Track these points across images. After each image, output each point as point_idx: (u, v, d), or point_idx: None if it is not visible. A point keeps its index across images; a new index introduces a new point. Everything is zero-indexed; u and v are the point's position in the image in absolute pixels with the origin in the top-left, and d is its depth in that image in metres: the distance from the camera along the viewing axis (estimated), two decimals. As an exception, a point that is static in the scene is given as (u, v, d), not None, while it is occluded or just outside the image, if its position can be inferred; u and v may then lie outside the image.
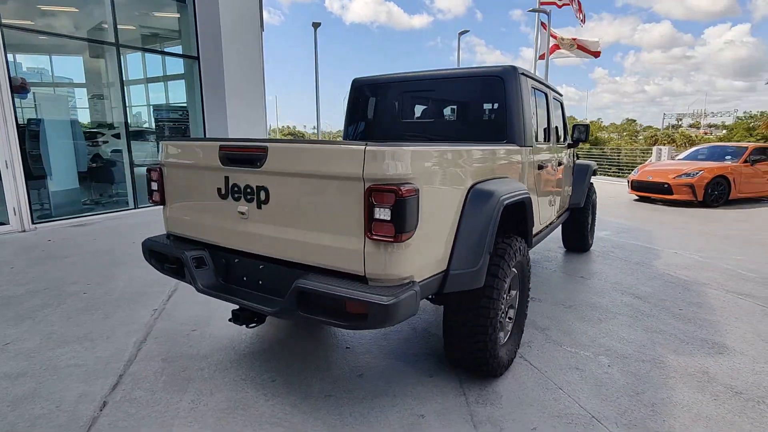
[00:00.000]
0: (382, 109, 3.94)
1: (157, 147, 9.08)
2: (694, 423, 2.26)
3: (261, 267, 2.25)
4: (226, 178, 2.26)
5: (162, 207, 2.71)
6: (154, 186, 2.65)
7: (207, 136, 9.30)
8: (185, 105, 9.81)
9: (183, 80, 9.60)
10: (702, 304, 3.89)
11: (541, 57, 19.01)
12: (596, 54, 20.19)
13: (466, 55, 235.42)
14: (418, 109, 3.93)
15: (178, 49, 9.61)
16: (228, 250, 2.38)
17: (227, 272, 2.41)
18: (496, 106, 3.37)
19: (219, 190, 2.30)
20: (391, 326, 1.83)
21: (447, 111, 3.69)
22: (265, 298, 2.19)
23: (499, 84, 3.22)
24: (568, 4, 18.41)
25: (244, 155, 2.17)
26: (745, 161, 9.74)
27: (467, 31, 23.85)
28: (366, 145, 1.80)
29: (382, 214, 1.77)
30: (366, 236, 1.85)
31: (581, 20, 19.15)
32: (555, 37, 18.79)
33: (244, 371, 2.70)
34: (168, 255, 2.52)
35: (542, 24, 18.78)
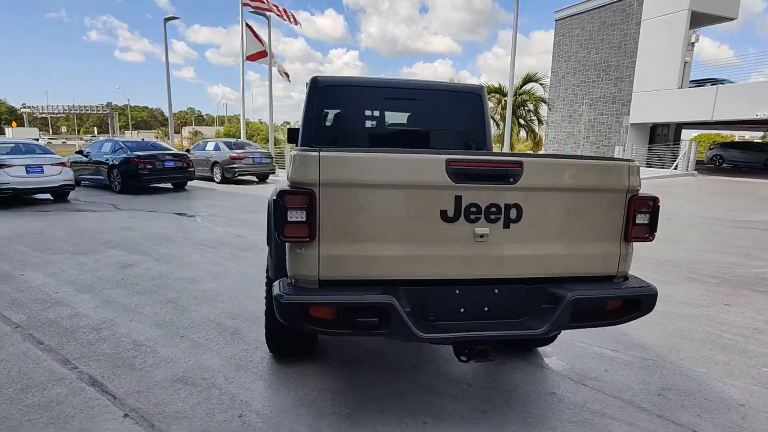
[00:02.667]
0: (352, 114, 3.70)
1: None
2: (682, 341, 3.38)
3: (496, 291, 2.10)
4: (458, 198, 1.96)
5: (298, 244, 1.94)
6: (297, 216, 1.85)
7: None
8: None
9: None
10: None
11: (249, 58, 19.39)
12: (288, 79, 22.12)
13: (104, 38, 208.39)
14: (391, 117, 3.86)
15: None
16: (440, 282, 2.05)
17: (439, 309, 2.08)
18: (472, 119, 3.71)
19: (444, 212, 1.97)
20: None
21: (423, 121, 3.76)
22: (508, 323, 2.10)
23: (478, 100, 3.66)
24: (271, 11, 18.96)
25: (494, 171, 1.99)
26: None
27: (176, 18, 21.47)
28: (629, 161, 2.12)
29: (642, 219, 2.15)
30: (624, 240, 2.15)
31: (292, 22, 20.06)
32: (263, 44, 19.36)
33: (390, 428, 2.30)
34: (361, 306, 1.89)
35: (246, 25, 19.00)
